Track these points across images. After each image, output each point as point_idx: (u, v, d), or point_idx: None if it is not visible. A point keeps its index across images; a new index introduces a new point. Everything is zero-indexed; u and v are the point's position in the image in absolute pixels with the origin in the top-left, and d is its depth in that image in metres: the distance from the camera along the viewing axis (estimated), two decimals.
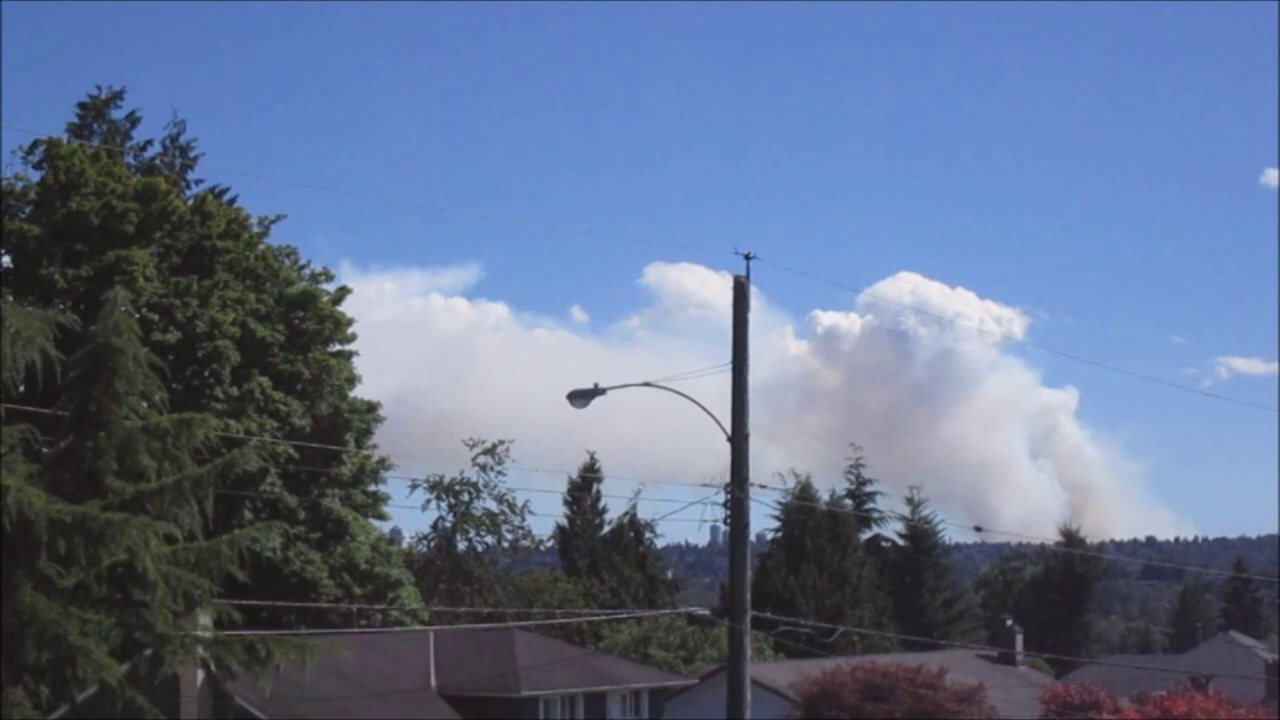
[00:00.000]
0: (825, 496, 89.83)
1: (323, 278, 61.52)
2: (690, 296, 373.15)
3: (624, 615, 68.76)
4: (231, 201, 60.43)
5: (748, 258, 28.75)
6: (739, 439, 28.18)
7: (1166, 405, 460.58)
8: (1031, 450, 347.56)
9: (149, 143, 63.16)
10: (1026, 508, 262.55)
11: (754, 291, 28.97)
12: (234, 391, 53.46)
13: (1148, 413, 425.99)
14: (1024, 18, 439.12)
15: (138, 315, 52.49)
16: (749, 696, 28.46)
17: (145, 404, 23.21)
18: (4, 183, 55.63)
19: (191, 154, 64.18)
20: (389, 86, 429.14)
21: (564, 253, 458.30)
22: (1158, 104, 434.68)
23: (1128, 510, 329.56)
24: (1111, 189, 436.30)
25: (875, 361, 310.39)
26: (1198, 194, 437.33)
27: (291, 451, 52.71)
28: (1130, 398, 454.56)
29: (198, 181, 63.37)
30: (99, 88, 61.77)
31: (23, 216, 54.72)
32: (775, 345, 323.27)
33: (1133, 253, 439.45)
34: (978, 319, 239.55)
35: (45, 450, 24.26)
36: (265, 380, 54.65)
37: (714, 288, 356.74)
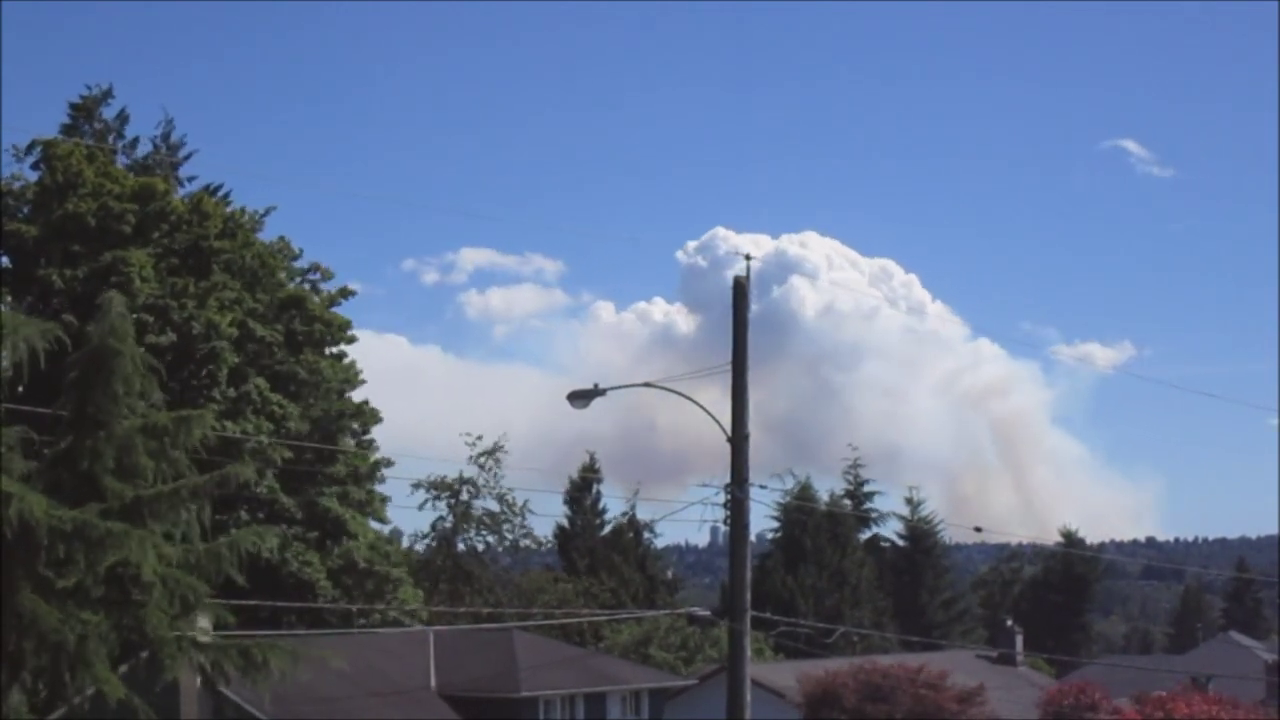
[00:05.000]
0: (824, 497, 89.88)
1: (322, 276, 61.27)
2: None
3: (624, 615, 68.61)
4: (225, 197, 60.22)
5: (748, 258, 28.72)
6: (739, 439, 28.07)
7: (1165, 405, 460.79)
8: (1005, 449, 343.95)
9: (136, 140, 62.73)
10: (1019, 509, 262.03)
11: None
12: (231, 393, 53.35)
13: (1146, 412, 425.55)
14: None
15: (134, 316, 52.43)
16: (749, 697, 28.37)
17: (144, 403, 23.10)
18: (1, 183, 55.53)
19: (182, 152, 63.90)
20: (388, 85, 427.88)
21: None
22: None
23: (1126, 510, 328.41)
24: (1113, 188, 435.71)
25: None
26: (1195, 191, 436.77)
27: (288, 453, 52.60)
28: (1131, 397, 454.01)
29: (190, 178, 63.23)
30: (89, 86, 61.53)
31: (20, 217, 54.64)
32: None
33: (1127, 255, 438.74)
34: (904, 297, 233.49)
35: (46, 451, 24.19)
36: (262, 381, 54.55)
37: None
